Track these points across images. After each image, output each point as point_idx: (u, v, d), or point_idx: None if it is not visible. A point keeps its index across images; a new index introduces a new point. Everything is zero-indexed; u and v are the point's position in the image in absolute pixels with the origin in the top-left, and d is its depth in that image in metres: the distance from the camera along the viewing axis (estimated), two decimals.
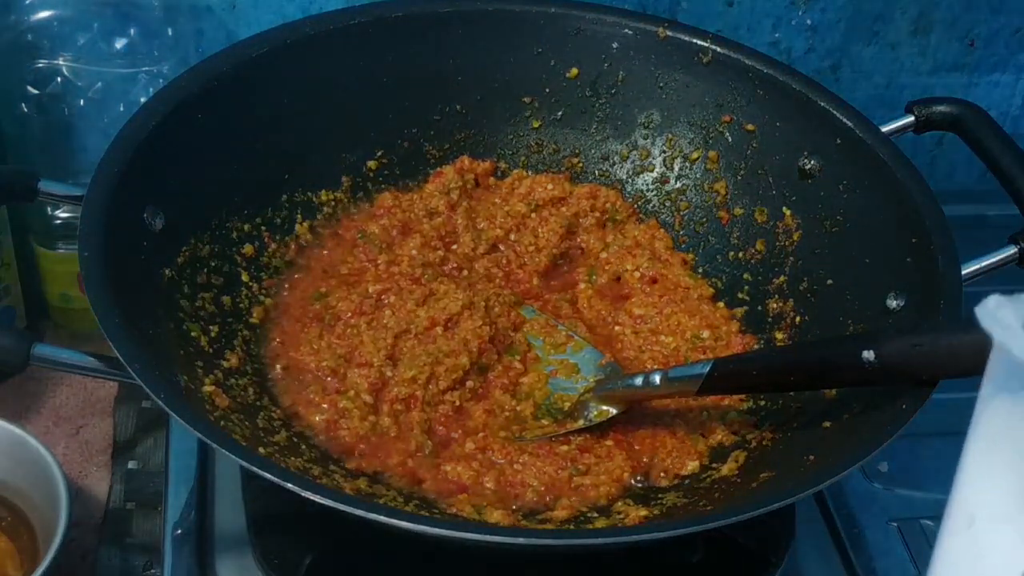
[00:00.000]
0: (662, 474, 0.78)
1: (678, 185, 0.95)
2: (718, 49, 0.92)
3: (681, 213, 0.94)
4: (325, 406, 0.78)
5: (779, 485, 0.70)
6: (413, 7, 0.92)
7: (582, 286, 0.91)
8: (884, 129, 0.87)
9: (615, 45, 0.94)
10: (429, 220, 0.91)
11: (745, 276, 0.90)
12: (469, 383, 0.80)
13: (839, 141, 0.86)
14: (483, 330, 0.82)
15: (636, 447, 0.79)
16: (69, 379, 0.99)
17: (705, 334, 0.86)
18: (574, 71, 0.95)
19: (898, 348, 0.66)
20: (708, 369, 0.73)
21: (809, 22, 1.08)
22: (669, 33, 0.93)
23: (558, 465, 0.76)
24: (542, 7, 0.94)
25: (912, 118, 0.90)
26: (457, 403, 0.79)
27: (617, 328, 0.87)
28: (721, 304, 0.89)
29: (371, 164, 0.93)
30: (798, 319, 0.85)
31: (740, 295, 0.90)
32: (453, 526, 0.67)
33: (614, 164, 0.96)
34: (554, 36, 0.94)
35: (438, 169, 0.94)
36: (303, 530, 0.77)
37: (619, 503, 0.74)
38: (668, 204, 0.95)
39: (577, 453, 0.78)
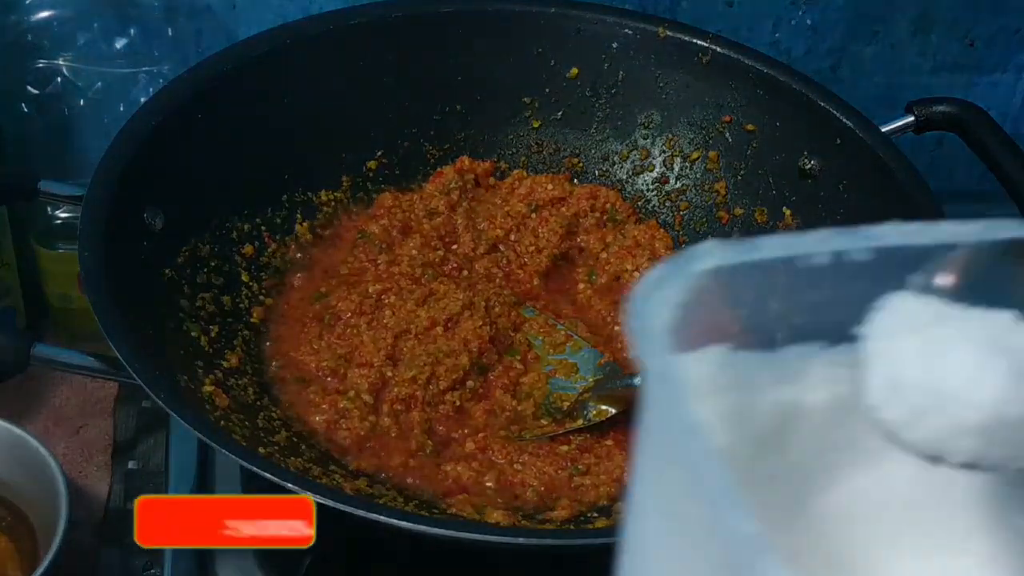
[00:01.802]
0: None
1: (678, 185, 0.95)
2: (718, 49, 0.92)
3: (681, 213, 0.94)
4: (325, 406, 0.78)
5: None
6: (413, 7, 0.92)
7: (582, 286, 0.91)
8: (884, 129, 0.87)
9: (615, 45, 0.94)
10: (429, 220, 0.91)
11: None
12: (469, 383, 0.80)
13: (839, 141, 0.86)
14: (483, 330, 0.82)
15: None
16: (69, 379, 0.98)
17: None
18: (574, 71, 0.95)
19: None
20: None
21: (809, 22, 1.08)
22: (669, 33, 0.93)
23: (558, 465, 0.76)
24: (542, 7, 0.94)
25: (912, 118, 0.90)
26: (457, 403, 0.79)
27: (617, 328, 0.87)
28: None
29: (371, 164, 0.93)
30: None
31: None
32: (453, 526, 0.67)
33: (614, 164, 0.96)
34: (554, 36, 0.94)
35: (438, 169, 0.94)
36: None
37: (619, 503, 0.74)
38: (668, 204, 0.95)
39: (577, 453, 0.78)
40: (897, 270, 0.37)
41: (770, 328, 0.39)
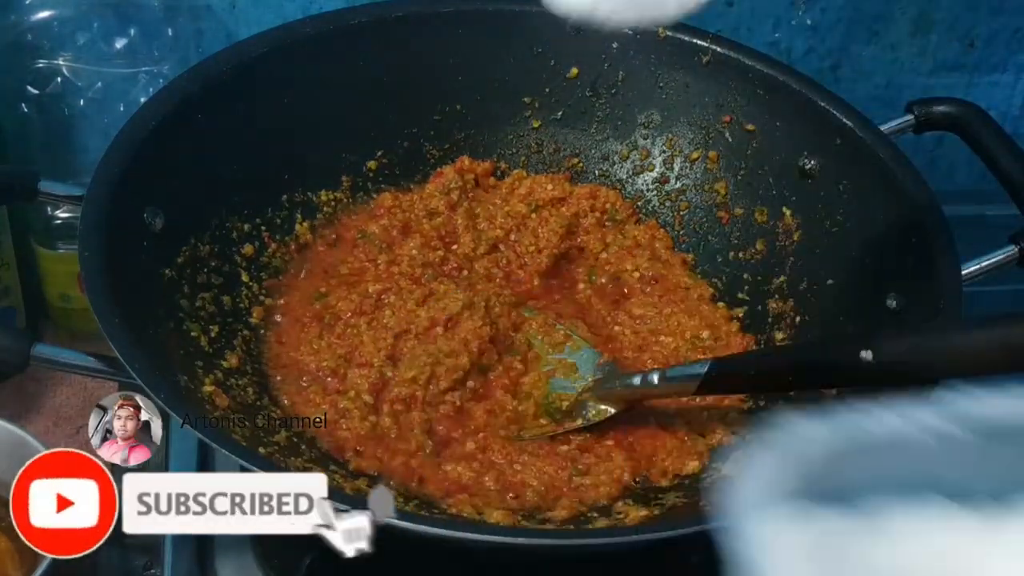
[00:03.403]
0: (662, 474, 0.78)
1: (678, 185, 0.95)
2: (718, 49, 0.92)
3: (681, 213, 0.94)
4: (325, 406, 0.78)
5: None
6: (413, 7, 0.92)
7: (582, 286, 0.91)
8: (884, 129, 0.87)
9: (615, 45, 0.94)
10: (429, 220, 0.91)
11: (745, 276, 0.90)
12: (470, 383, 0.80)
13: (839, 141, 0.86)
14: (483, 330, 0.82)
15: (636, 447, 0.79)
16: (69, 379, 0.98)
17: (705, 334, 0.86)
18: (574, 71, 0.95)
19: (896, 348, 0.66)
20: (706, 369, 0.73)
21: (809, 22, 1.08)
22: (669, 33, 0.93)
23: (558, 465, 0.76)
24: (542, 7, 0.94)
25: (912, 118, 0.90)
26: (458, 403, 0.79)
27: (617, 328, 0.87)
28: (721, 304, 0.89)
29: (371, 164, 0.93)
30: (798, 319, 0.85)
31: (740, 295, 0.89)
32: (453, 526, 0.67)
33: (614, 164, 0.96)
34: (554, 36, 0.94)
35: (438, 169, 0.94)
36: None
37: (619, 503, 0.74)
38: (668, 204, 0.95)
39: (577, 453, 0.78)
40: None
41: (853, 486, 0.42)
